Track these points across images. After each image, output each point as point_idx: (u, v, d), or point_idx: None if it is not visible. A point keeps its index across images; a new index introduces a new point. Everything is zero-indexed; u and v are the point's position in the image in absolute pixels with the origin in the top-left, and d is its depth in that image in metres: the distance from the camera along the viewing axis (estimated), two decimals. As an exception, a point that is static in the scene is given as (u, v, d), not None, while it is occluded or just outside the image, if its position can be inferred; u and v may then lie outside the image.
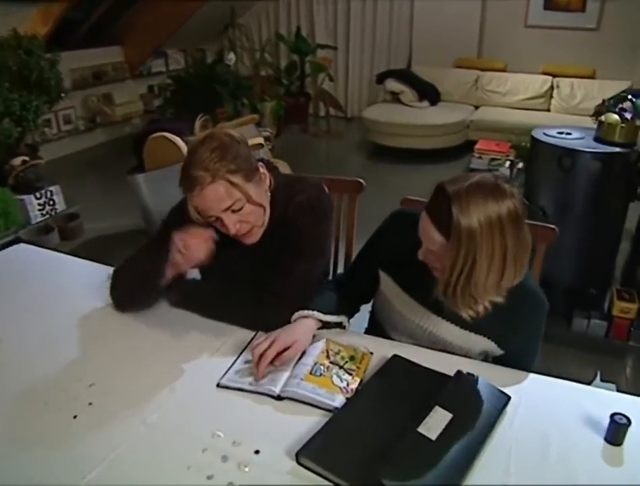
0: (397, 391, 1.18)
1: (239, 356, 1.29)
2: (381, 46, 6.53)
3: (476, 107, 5.91)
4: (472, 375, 1.17)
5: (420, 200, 1.77)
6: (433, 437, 1.01)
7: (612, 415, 1.08)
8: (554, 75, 5.64)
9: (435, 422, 1.04)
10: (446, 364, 1.24)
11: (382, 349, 1.31)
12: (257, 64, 6.56)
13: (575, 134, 2.66)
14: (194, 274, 1.47)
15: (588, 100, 5.46)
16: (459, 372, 1.18)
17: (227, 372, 1.23)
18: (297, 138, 6.35)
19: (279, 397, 1.16)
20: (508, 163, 4.51)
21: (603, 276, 2.75)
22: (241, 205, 1.26)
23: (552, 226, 1.53)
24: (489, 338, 1.31)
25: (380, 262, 1.45)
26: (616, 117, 2.52)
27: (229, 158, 1.22)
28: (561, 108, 5.63)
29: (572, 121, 5.31)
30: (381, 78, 6.06)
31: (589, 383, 2.42)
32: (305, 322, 1.31)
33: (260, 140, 3.32)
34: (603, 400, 1.21)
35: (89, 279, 1.60)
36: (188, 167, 1.22)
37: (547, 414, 1.14)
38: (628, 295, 2.51)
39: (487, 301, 1.17)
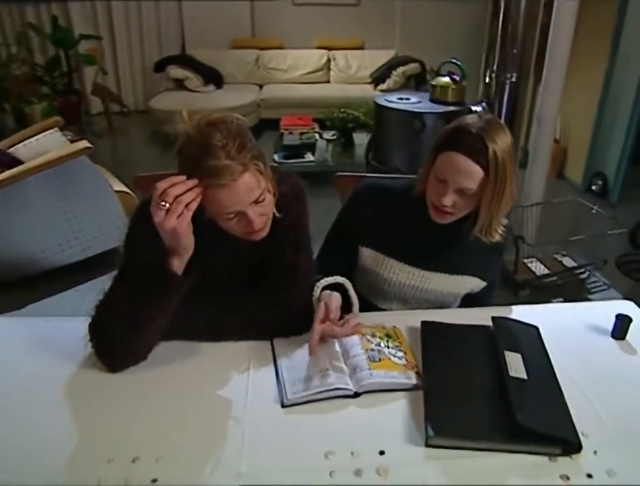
0: (456, 351, 1.21)
1: (276, 366, 1.17)
2: (150, 31, 6.14)
3: (261, 86, 6.02)
4: (508, 319, 1.28)
5: (355, 175, 1.80)
6: (525, 376, 1.08)
7: (617, 315, 1.29)
8: (329, 49, 6.06)
9: (516, 365, 1.11)
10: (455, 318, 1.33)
11: (395, 321, 1.33)
12: (6, 62, 5.62)
13: (413, 99, 2.93)
14: None
15: (362, 69, 6.05)
16: (494, 318, 1.26)
17: (283, 388, 1.11)
18: (77, 141, 5.67)
19: (356, 395, 1.09)
20: (317, 135, 4.74)
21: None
22: (265, 195, 1.12)
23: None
24: (474, 275, 1.44)
25: (356, 238, 1.46)
26: (447, 79, 2.85)
27: (249, 144, 1.07)
28: (340, 79, 6.09)
29: (353, 89, 5.84)
30: (160, 66, 5.75)
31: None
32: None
33: (86, 143, 2.89)
34: (587, 311, 1.43)
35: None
36: (204, 156, 1.03)
37: (566, 334, 1.30)
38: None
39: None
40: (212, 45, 6.03)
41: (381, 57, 6.05)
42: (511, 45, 2.64)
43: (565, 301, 2.82)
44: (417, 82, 5.92)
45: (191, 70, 5.67)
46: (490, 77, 2.78)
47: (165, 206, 1.03)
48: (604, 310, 1.40)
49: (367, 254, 1.44)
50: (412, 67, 5.75)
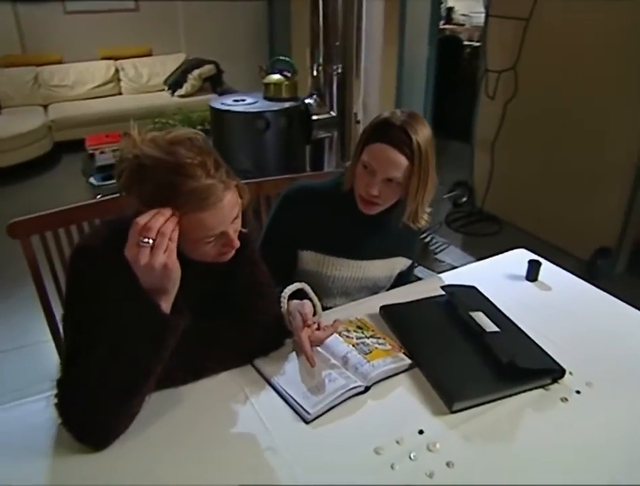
0: (426, 324, 1.32)
1: (273, 387, 1.14)
2: None
3: (46, 106, 5.42)
4: (451, 285, 1.42)
5: (252, 182, 1.79)
6: (497, 329, 1.23)
7: (529, 261, 1.52)
8: (115, 59, 5.68)
9: (484, 322, 1.25)
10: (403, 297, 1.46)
11: (353, 315, 1.39)
12: None
13: (249, 99, 2.94)
14: None
15: (154, 76, 5.83)
16: (443, 287, 1.40)
17: (298, 406, 1.08)
18: None
19: (366, 389, 1.13)
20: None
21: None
22: (240, 210, 1.06)
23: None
24: (402, 255, 1.57)
25: (294, 244, 1.47)
26: (279, 76, 2.91)
27: (220, 160, 1.01)
28: (132, 89, 5.77)
29: (149, 98, 5.62)
30: None
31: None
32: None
33: None
34: (494, 264, 1.66)
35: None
36: (181, 179, 0.94)
37: (492, 287, 1.47)
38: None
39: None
40: (-24, 66, 5.22)
41: (171, 62, 5.90)
42: (334, 39, 2.82)
43: (419, 265, 3.16)
44: (213, 83, 5.91)
45: (-43, 97, 4.86)
46: (317, 70, 2.93)
47: (148, 243, 0.93)
48: (507, 261, 1.65)
49: (308, 257, 1.47)
50: (208, 69, 5.72)
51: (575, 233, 3.25)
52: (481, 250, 1.65)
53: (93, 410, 0.98)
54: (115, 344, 0.98)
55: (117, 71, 5.71)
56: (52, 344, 2.55)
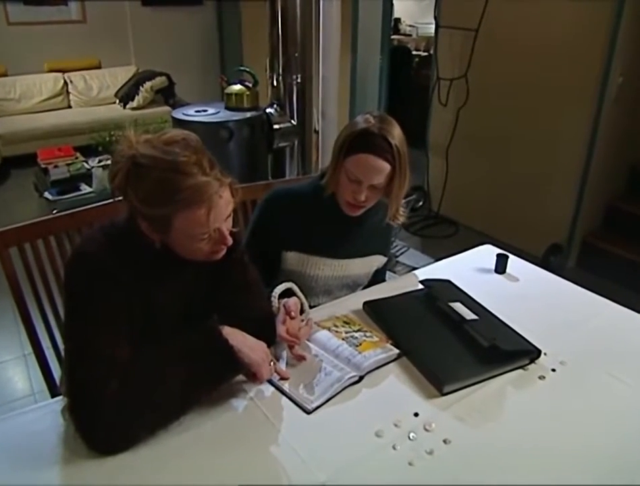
0: (410, 317, 1.39)
1: (273, 384, 1.19)
2: None
3: (-8, 121, 5.25)
4: (428, 279, 1.51)
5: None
6: (476, 317, 1.32)
7: (497, 254, 1.63)
8: (63, 72, 5.56)
9: (464, 311, 1.34)
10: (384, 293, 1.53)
11: (338, 312, 1.45)
12: None
13: (211, 110, 2.97)
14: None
15: (104, 89, 5.74)
16: (422, 282, 1.48)
17: (300, 398, 1.13)
18: None
19: (360, 379, 1.19)
20: (83, 164, 4.38)
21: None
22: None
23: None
24: (379, 253, 1.64)
25: (278, 245, 1.52)
26: (240, 86, 2.96)
27: (213, 159, 1.04)
28: (82, 102, 5.67)
29: (100, 111, 5.54)
30: None
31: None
32: None
33: None
34: (464, 260, 1.76)
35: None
36: (179, 177, 0.97)
37: (465, 280, 1.57)
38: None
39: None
40: None
41: (122, 74, 5.83)
42: (293, 50, 2.89)
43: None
44: (165, 95, 5.88)
45: None
46: (277, 80, 3.00)
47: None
48: (475, 256, 1.75)
49: (292, 257, 1.52)
50: (160, 81, 5.68)
51: (528, 232, 3.43)
52: (439, 252, 1.74)
53: (132, 424, 0.99)
54: (178, 369, 1.04)
55: (65, 83, 5.59)
56: (10, 364, 2.50)
